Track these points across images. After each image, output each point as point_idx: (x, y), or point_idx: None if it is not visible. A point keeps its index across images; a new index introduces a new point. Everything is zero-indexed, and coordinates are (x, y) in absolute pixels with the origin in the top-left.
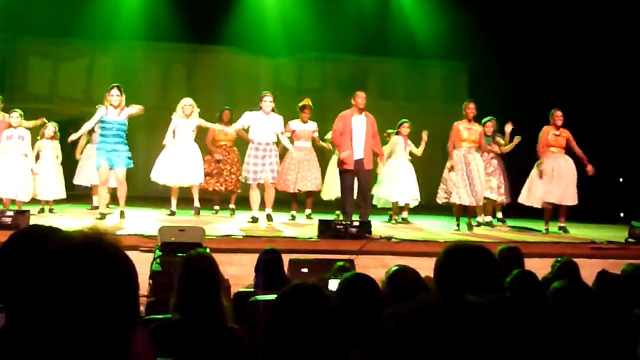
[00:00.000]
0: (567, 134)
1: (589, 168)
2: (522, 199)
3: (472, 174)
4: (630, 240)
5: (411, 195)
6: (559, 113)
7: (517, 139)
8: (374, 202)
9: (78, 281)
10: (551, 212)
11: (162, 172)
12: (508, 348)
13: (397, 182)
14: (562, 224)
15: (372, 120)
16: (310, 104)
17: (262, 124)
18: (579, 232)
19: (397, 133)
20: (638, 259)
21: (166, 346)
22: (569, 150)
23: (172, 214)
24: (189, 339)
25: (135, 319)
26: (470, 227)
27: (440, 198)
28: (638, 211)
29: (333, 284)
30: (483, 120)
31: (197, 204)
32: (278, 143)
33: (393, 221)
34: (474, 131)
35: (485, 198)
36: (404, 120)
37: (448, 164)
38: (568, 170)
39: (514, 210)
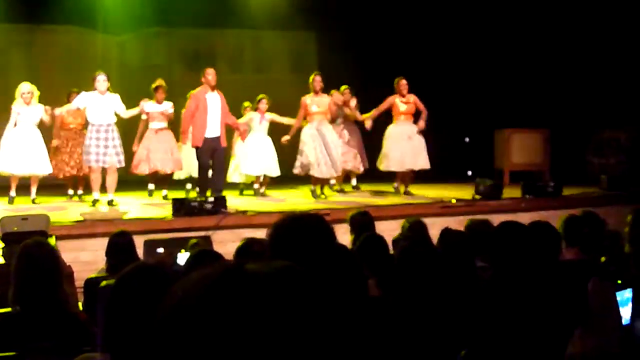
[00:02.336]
0: (414, 99)
1: (420, 123)
2: (380, 164)
3: (329, 146)
4: (476, 197)
5: (270, 168)
6: (404, 82)
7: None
8: (236, 177)
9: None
10: (404, 175)
11: (7, 162)
12: (304, 319)
13: (256, 156)
14: (407, 189)
15: (223, 97)
16: (164, 84)
17: (99, 104)
18: (429, 192)
19: (256, 109)
20: (483, 214)
21: (8, 340)
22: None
23: (12, 200)
24: (31, 330)
25: None
26: (315, 195)
27: (297, 168)
28: (483, 169)
29: (182, 258)
30: (342, 89)
31: (33, 195)
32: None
33: (258, 195)
34: (323, 103)
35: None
36: (262, 96)
37: (302, 138)
38: (416, 136)
39: (372, 176)
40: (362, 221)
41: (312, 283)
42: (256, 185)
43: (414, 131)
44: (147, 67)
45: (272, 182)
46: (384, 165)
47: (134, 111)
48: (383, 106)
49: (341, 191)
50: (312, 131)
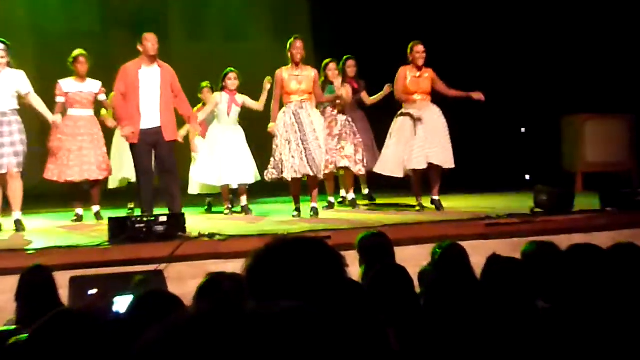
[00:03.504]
0: (430, 74)
1: (476, 95)
2: (379, 167)
3: (307, 136)
4: (537, 210)
5: (247, 174)
6: (420, 48)
7: (387, 88)
8: (193, 188)
9: None
10: (420, 181)
11: None
12: None
13: (223, 158)
14: (435, 197)
15: (170, 72)
16: (84, 52)
17: None
18: (469, 204)
19: (222, 89)
20: (547, 234)
21: None
22: (437, 97)
23: None
24: None
25: None
26: (314, 211)
27: (269, 172)
28: (546, 172)
29: (123, 302)
30: (344, 58)
31: None
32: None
33: (227, 211)
34: (305, 78)
35: (340, 169)
36: (229, 69)
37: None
38: (435, 122)
39: (389, 184)
40: (376, 246)
41: (331, 330)
42: (227, 207)
43: (433, 116)
44: (72, 34)
45: (250, 193)
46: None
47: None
48: (398, 86)
49: (352, 204)
50: (286, 118)
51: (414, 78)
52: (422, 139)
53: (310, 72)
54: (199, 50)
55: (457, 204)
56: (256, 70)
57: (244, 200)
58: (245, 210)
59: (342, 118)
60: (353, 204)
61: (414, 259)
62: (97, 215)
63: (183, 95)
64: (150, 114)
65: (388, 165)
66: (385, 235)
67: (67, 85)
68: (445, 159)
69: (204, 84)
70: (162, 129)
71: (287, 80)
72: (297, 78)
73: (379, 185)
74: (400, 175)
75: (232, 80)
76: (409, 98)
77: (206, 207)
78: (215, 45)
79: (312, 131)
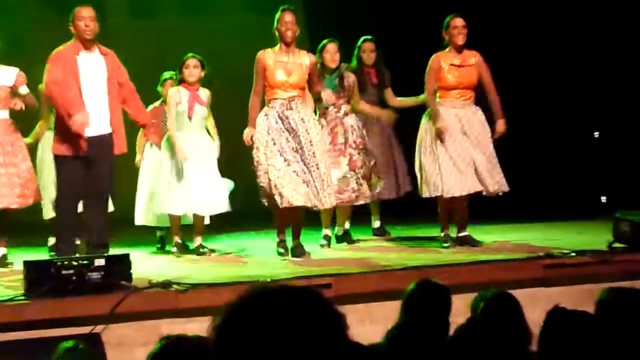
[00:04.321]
0: (477, 60)
1: (499, 124)
2: (421, 188)
3: (303, 149)
4: (616, 245)
5: (218, 200)
6: (459, 21)
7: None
8: (140, 217)
9: None
10: (452, 207)
11: None
12: None
13: (188, 180)
14: (464, 233)
15: (115, 61)
16: None
17: None
18: (522, 237)
19: (180, 82)
20: (630, 278)
21: None
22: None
23: None
24: None
25: None
26: (299, 249)
27: (262, 196)
28: (629, 191)
29: None
30: (360, 40)
31: None
32: None
33: (174, 249)
34: (296, 67)
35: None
36: (189, 55)
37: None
38: (481, 131)
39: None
40: (431, 302)
41: None
42: (176, 243)
43: (477, 121)
44: None
45: (221, 223)
46: (426, 188)
47: None
48: (430, 80)
49: (351, 240)
50: (270, 122)
51: (453, 67)
52: (466, 154)
53: (304, 59)
54: (151, 29)
55: (506, 237)
56: (231, 56)
57: (199, 239)
58: (198, 250)
59: (350, 122)
60: (346, 239)
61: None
62: (4, 261)
63: (135, 93)
64: (96, 117)
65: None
66: (446, 288)
67: None
68: (498, 181)
69: (167, 74)
70: (111, 138)
71: (273, 68)
72: (286, 66)
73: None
74: (468, 190)
75: (191, 70)
76: (446, 95)
77: (158, 245)
78: (173, 22)
79: (308, 143)
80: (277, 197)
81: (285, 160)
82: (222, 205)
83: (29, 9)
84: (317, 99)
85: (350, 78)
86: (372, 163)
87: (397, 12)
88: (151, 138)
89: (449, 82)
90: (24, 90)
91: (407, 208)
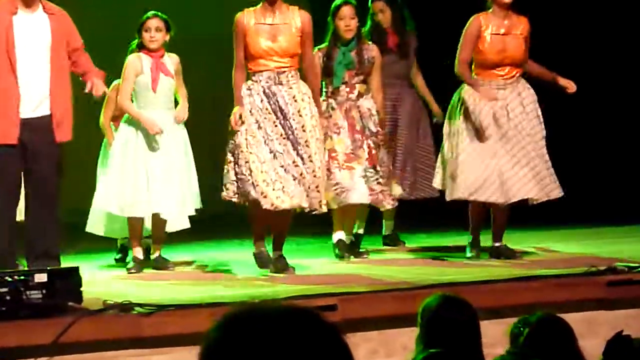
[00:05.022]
0: (525, 27)
1: (564, 82)
2: (438, 183)
3: (295, 135)
4: None
5: (186, 199)
6: None
7: None
8: (96, 223)
9: None
10: (486, 212)
11: None
12: None
13: (150, 172)
14: (499, 243)
15: (65, 21)
16: None
17: None
18: (575, 249)
19: (140, 47)
20: None
21: None
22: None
23: None
24: None
25: None
26: (282, 264)
27: (227, 190)
28: None
29: None
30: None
31: None
32: None
33: (132, 264)
34: (284, 29)
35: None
36: (149, 14)
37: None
38: (530, 120)
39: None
40: (458, 326)
41: None
42: (135, 256)
43: (525, 106)
44: None
45: (198, 229)
46: (452, 189)
47: None
48: (464, 48)
49: (350, 248)
50: (254, 99)
51: (497, 36)
52: (510, 150)
53: (295, 18)
54: None
55: (552, 247)
56: (203, 13)
57: (158, 248)
58: (159, 262)
59: (367, 105)
60: (354, 251)
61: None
62: None
63: (85, 54)
64: (33, 94)
65: (470, 185)
66: (471, 307)
67: None
68: (548, 185)
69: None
70: (53, 119)
71: (253, 31)
72: (271, 29)
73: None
74: (501, 200)
75: (153, 33)
76: (485, 73)
77: (117, 255)
78: None
79: (300, 128)
80: (257, 195)
81: (271, 151)
82: (189, 207)
83: None
84: (326, 73)
85: (372, 51)
86: (397, 160)
87: None
88: (95, 87)
89: (490, 56)
90: None
91: (424, 210)
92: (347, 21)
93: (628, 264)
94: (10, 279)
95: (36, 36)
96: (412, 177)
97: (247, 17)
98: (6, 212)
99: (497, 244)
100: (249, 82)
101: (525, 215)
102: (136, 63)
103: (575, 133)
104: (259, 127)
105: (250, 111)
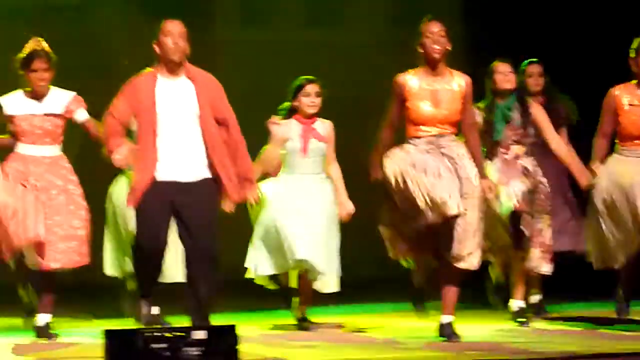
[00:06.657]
0: None
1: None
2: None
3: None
4: None
5: (328, 260)
6: None
7: None
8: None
9: None
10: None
11: None
12: None
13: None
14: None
15: (212, 86)
16: (45, 47)
17: None
18: None
19: (291, 113)
20: None
21: None
22: None
23: None
24: None
25: None
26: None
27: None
28: None
29: None
30: (523, 63)
31: None
32: None
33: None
34: (447, 94)
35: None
36: (304, 78)
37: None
38: None
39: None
40: None
41: None
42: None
43: None
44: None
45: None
46: (600, 257)
47: None
48: (604, 123)
49: (519, 316)
50: (410, 152)
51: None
52: None
53: (459, 81)
54: (259, 38)
55: None
56: (357, 79)
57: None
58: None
59: (524, 164)
60: (522, 317)
61: None
62: (43, 331)
63: (236, 126)
64: (176, 156)
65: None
66: None
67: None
68: None
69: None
70: (206, 184)
71: (416, 94)
72: (435, 94)
73: None
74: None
75: (310, 99)
76: (625, 145)
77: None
78: (289, 34)
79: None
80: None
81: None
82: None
83: (99, 11)
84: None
85: (534, 107)
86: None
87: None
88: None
89: (628, 128)
90: (81, 116)
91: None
92: (504, 74)
93: None
94: (169, 335)
95: (179, 102)
96: None
97: (409, 78)
98: (153, 268)
99: None
100: (409, 146)
101: None
102: (284, 129)
103: None
104: (415, 166)
105: (408, 156)
